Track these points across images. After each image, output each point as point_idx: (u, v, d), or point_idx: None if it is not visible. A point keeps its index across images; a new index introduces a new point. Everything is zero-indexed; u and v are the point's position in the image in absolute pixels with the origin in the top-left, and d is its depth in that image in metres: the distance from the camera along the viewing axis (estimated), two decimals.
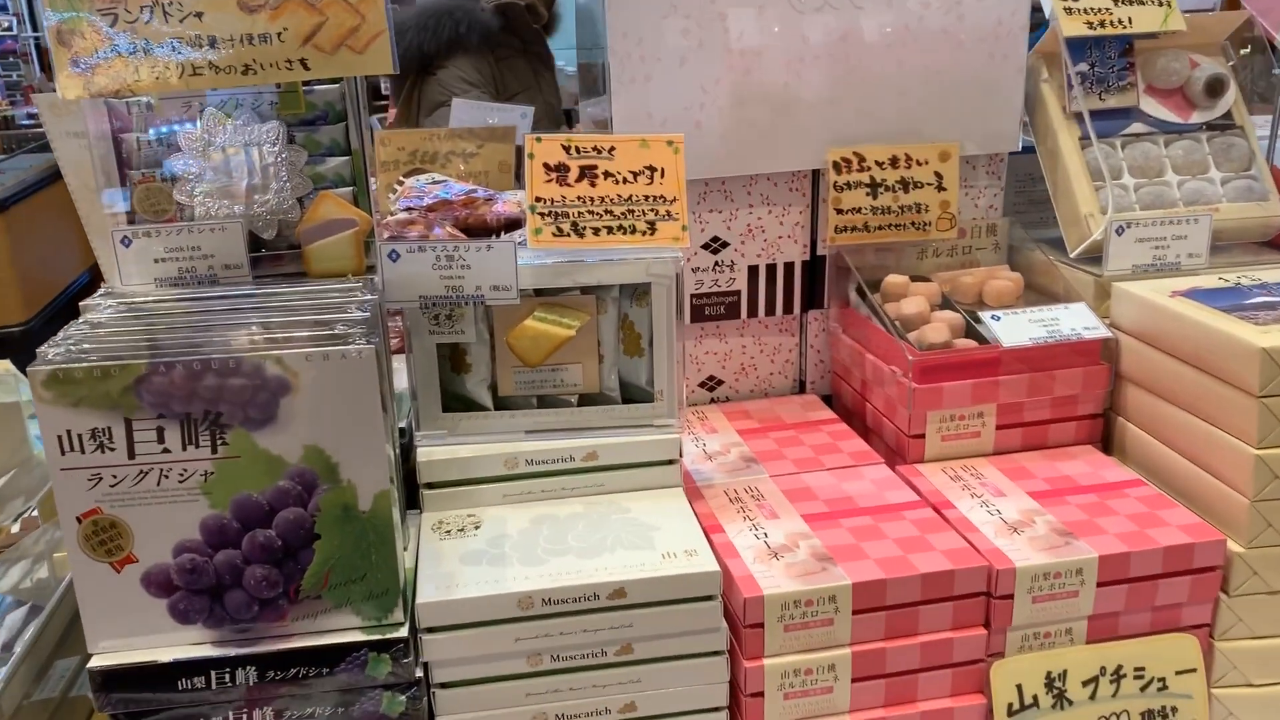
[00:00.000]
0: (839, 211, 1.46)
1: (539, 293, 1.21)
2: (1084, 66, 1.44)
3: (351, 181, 1.31)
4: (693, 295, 1.51)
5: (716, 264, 1.50)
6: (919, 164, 1.45)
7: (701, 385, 1.57)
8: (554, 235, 1.19)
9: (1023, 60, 1.45)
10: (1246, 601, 1.17)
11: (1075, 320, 1.34)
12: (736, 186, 1.47)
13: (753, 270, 1.51)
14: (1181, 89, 1.48)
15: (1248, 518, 1.14)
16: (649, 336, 1.23)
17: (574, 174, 1.20)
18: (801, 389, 1.61)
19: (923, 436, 1.34)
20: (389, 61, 1.21)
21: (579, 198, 1.19)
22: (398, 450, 1.14)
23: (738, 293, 1.52)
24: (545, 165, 1.20)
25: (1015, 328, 1.33)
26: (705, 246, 1.49)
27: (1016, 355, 1.32)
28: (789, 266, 1.52)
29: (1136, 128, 1.46)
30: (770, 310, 1.54)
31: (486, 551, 1.11)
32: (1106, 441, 1.40)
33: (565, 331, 1.20)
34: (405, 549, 1.12)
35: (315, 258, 1.25)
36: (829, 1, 1.39)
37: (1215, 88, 1.46)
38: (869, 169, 1.45)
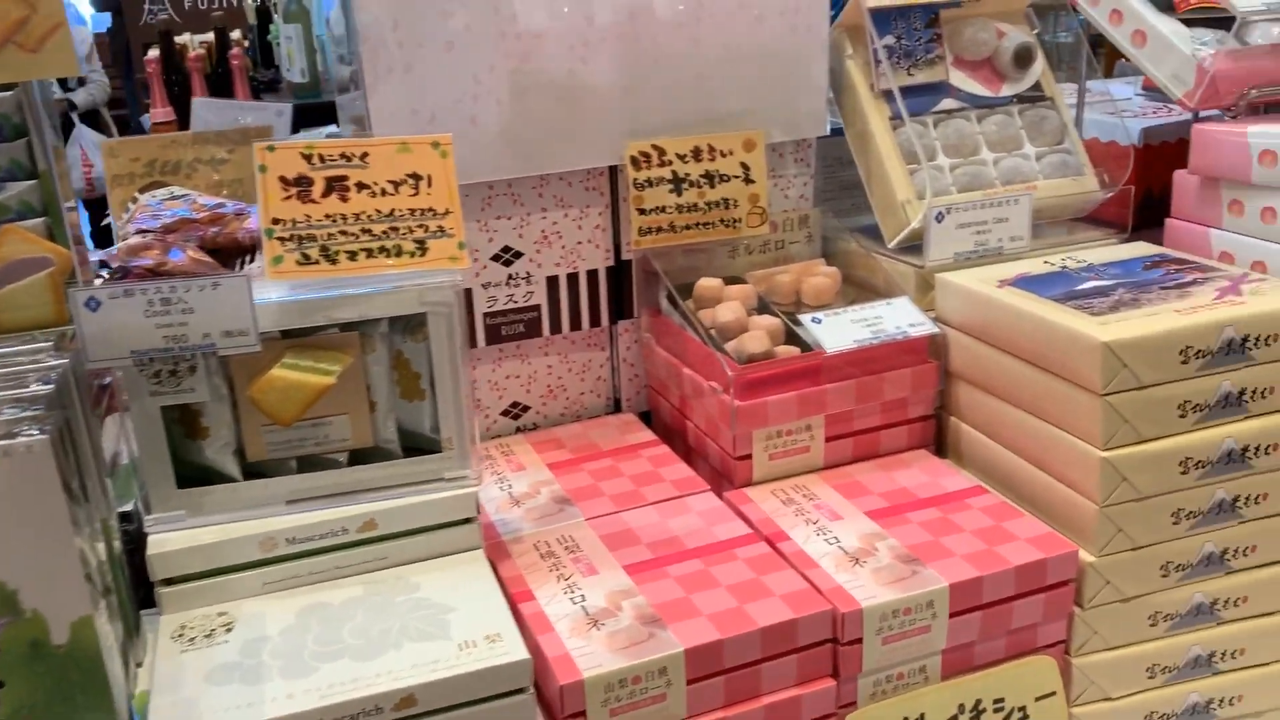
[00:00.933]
0: (641, 212, 1.30)
1: (287, 334, 1.00)
2: (890, 40, 1.34)
3: (43, 210, 1.06)
4: (486, 314, 1.32)
5: (510, 277, 1.32)
6: (723, 155, 1.31)
7: (505, 414, 1.39)
8: (299, 263, 0.98)
9: (825, 34, 1.33)
10: (1101, 613, 1.08)
11: (899, 317, 1.23)
12: (526, 189, 1.29)
13: (552, 281, 1.34)
14: (990, 60, 1.40)
15: (1097, 524, 1.05)
16: (430, 375, 1.04)
17: (319, 187, 0.99)
18: (617, 407, 1.45)
19: (749, 457, 1.20)
20: (72, 61, 0.97)
21: (328, 216, 0.99)
22: (115, 545, 0.92)
23: (537, 307, 1.34)
24: (282, 179, 0.98)
25: (838, 330, 1.21)
26: (496, 258, 1.30)
27: (842, 360, 1.20)
28: (592, 275, 1.36)
29: (947, 104, 1.37)
30: (575, 324, 1.37)
31: (239, 664, 0.89)
32: (940, 443, 1.30)
33: (322, 379, 1.00)
34: (135, 672, 0.90)
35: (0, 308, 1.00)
36: None
37: (1023, 57, 1.38)
38: (670, 163, 1.30)
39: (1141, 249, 1.29)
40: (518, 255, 1.31)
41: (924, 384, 1.25)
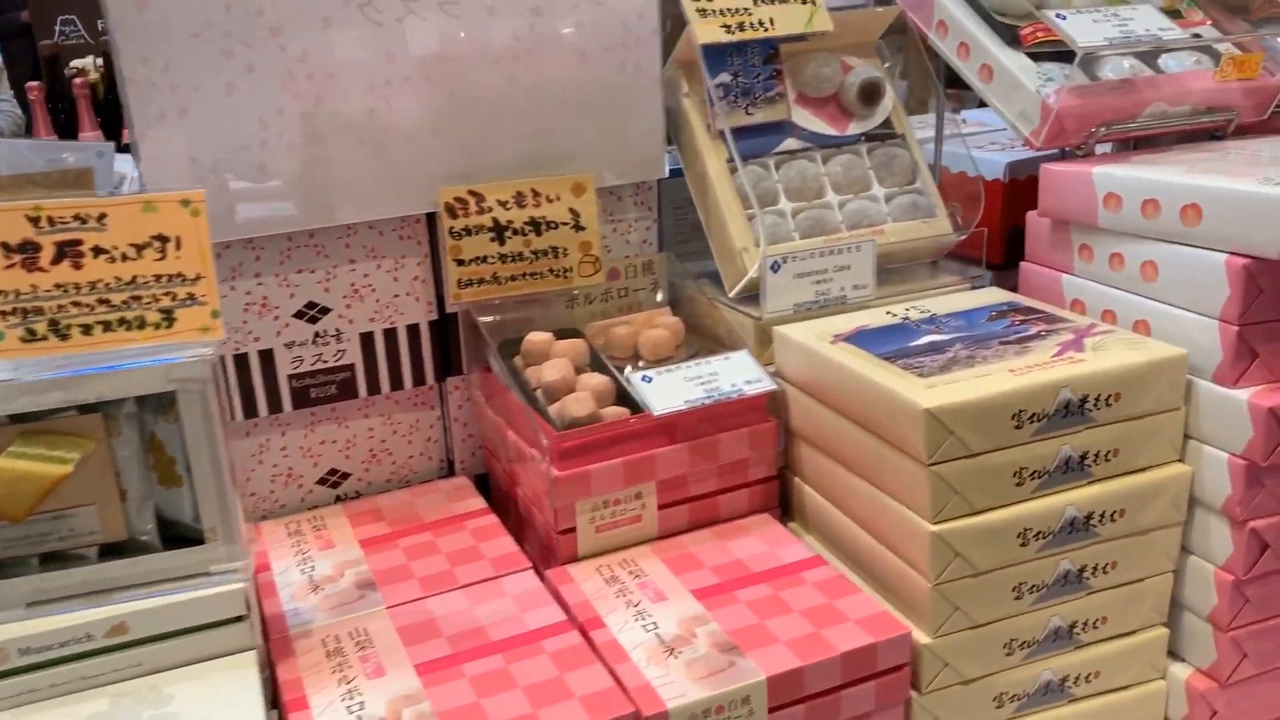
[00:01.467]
0: (460, 263, 1.20)
1: (18, 419, 0.89)
2: (726, 77, 1.26)
3: None
4: (292, 376, 1.21)
5: (318, 335, 1.21)
6: (550, 200, 1.22)
7: (322, 483, 1.28)
8: (23, 340, 0.86)
9: (656, 72, 1.24)
10: (941, 697, 1.00)
11: (736, 373, 1.14)
12: (330, 239, 1.19)
13: (367, 338, 1.24)
14: (835, 97, 1.32)
15: (930, 603, 0.97)
16: (185, 459, 0.93)
17: (48, 254, 0.88)
18: (451, 470, 1.34)
19: (573, 530, 1.11)
20: None
21: (58, 286, 0.87)
22: None
23: (350, 366, 1.24)
24: (3, 246, 0.87)
25: (669, 389, 1.12)
26: (299, 315, 1.20)
27: (672, 423, 1.11)
28: (413, 330, 1.26)
29: (790, 144, 1.29)
30: (397, 383, 1.27)
31: None
32: (787, 505, 1.22)
33: (56, 469, 0.88)
34: None
35: None
36: (413, 9, 1.12)
37: (870, 93, 1.31)
38: (490, 210, 1.20)
39: (992, 296, 1.22)
40: (325, 311, 1.21)
41: (764, 444, 1.16)
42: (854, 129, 1.32)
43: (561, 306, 1.31)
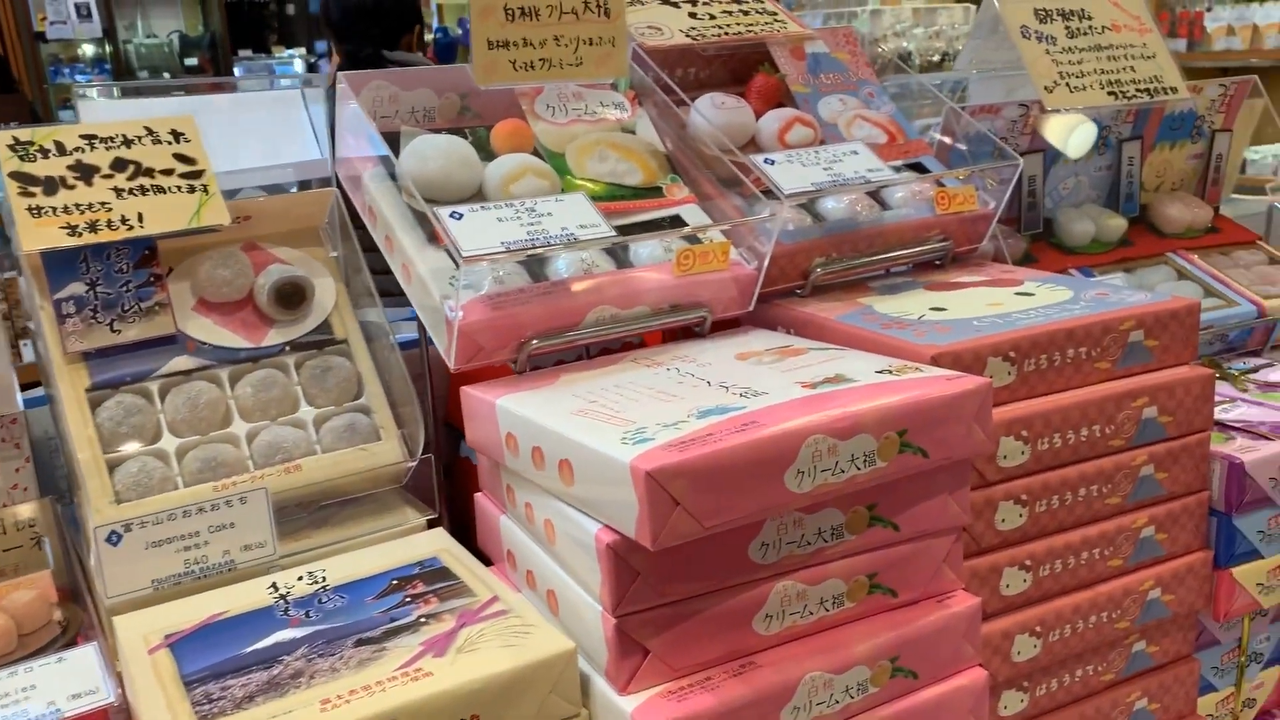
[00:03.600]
0: None
1: None
2: (79, 288, 1.00)
3: None
4: None
5: None
6: None
7: None
8: None
9: None
10: None
11: (56, 687, 0.86)
12: None
13: None
14: (250, 300, 1.09)
15: None
16: None
17: None
18: None
19: None
20: None
21: None
22: None
23: None
24: None
25: None
26: None
27: None
28: None
29: (182, 363, 1.04)
30: None
31: None
32: None
33: None
34: None
35: None
36: None
37: (290, 296, 1.08)
38: None
39: (415, 551, 0.99)
40: None
41: None
42: (275, 338, 1.09)
43: None
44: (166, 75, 8.51)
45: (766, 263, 1.10)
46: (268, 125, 1.27)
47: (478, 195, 1.07)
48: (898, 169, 1.29)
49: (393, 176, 1.08)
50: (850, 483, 0.81)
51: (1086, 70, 1.44)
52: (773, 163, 1.15)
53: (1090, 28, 1.47)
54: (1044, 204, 1.50)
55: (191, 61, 8.68)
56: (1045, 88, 1.40)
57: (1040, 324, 1.01)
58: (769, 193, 1.12)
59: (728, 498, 0.76)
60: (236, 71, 8.00)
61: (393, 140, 1.11)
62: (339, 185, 1.15)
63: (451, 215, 0.97)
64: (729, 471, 0.76)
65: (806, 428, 0.79)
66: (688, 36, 1.30)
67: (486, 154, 1.13)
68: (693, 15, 1.34)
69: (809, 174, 1.15)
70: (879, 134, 1.31)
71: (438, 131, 1.13)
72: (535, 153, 1.14)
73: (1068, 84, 1.41)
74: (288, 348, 1.09)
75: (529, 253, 0.96)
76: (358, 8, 2.58)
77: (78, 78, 8.38)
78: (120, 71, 8.34)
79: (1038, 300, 1.10)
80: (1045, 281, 1.17)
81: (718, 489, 0.75)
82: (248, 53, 8.55)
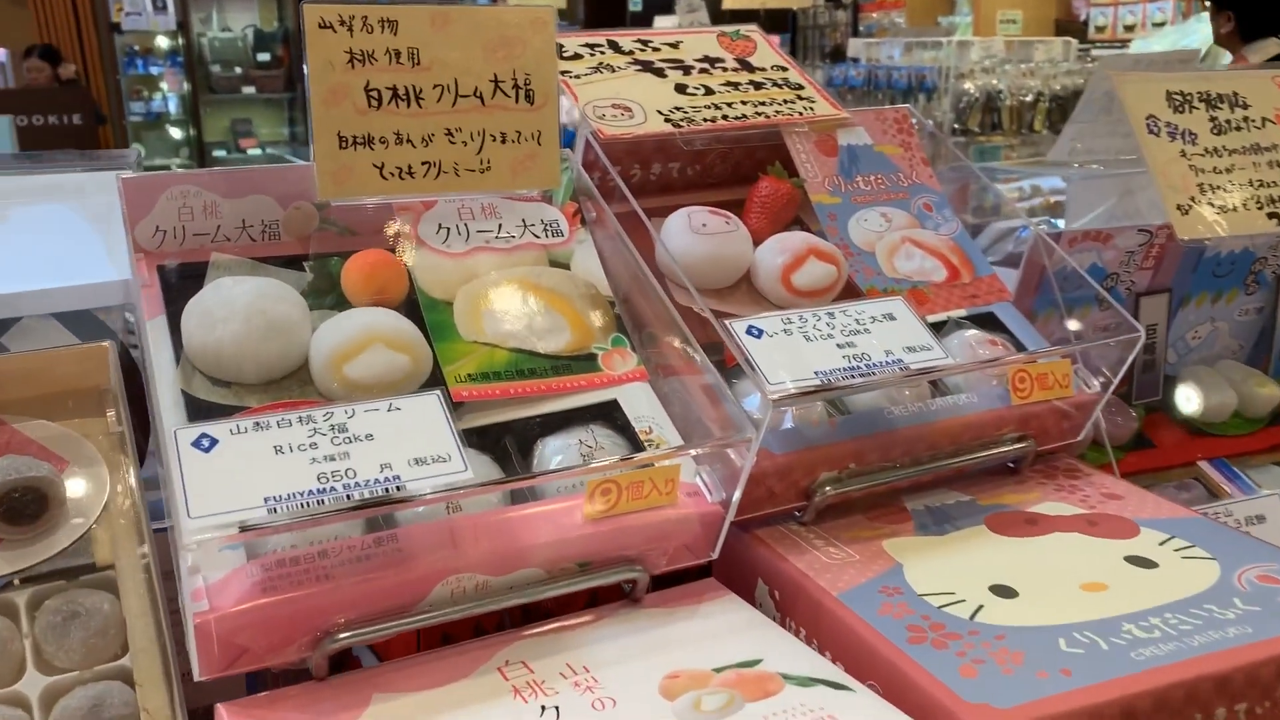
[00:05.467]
0: None
1: None
2: None
3: None
4: None
5: None
6: None
7: None
8: None
9: None
10: None
11: None
12: None
13: None
14: None
15: None
16: None
17: None
18: None
19: None
20: None
21: None
22: None
23: None
24: None
25: None
26: None
27: None
28: None
29: None
30: None
31: None
32: None
33: None
34: None
35: None
36: None
37: (24, 505, 0.73)
38: None
39: None
40: None
41: None
42: (4, 568, 0.74)
43: None
44: (239, 70, 8.39)
45: (739, 494, 0.71)
46: (82, 222, 0.92)
47: (298, 375, 0.71)
48: (960, 322, 0.90)
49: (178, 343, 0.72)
50: None
51: (1238, 182, 1.02)
52: (758, 334, 0.76)
53: (1246, 120, 1.06)
54: (1165, 359, 1.09)
55: (265, 56, 8.55)
56: (1178, 207, 0.99)
57: (1172, 660, 0.61)
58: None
59: None
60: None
61: (198, 274, 0.75)
62: None
63: (197, 443, 0.60)
64: None
65: None
66: (668, 121, 0.92)
67: (336, 299, 0.76)
68: (681, 90, 0.96)
69: (815, 354, 0.76)
70: (936, 266, 0.92)
71: (270, 261, 0.77)
72: (409, 300, 0.77)
73: (1210, 201, 1.00)
74: (16, 580, 0.74)
75: (315, 514, 0.59)
76: None
77: (152, 70, 8.31)
78: (193, 64, 8.24)
79: (1163, 583, 0.69)
80: (1174, 531, 0.76)
81: None
82: None
